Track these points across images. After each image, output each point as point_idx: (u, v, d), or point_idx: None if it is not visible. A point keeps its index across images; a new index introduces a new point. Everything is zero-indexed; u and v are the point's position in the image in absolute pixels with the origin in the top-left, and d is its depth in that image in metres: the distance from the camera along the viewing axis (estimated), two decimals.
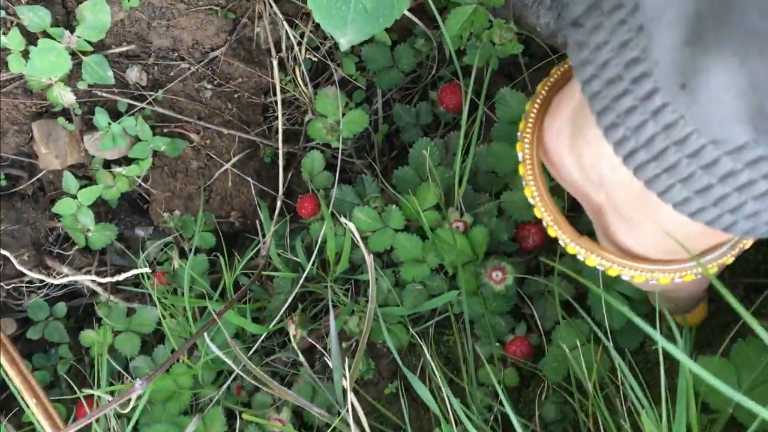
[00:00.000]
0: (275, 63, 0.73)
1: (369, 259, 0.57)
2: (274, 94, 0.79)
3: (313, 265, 0.72)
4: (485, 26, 0.67)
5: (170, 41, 0.73)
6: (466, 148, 0.69)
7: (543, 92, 0.42)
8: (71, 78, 0.72)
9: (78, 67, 0.70)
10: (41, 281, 0.80)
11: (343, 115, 0.75)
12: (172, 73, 0.75)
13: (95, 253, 0.83)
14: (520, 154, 0.42)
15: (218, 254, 0.80)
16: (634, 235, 0.40)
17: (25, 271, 0.72)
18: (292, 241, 0.76)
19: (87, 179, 0.79)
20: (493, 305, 0.65)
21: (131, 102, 0.75)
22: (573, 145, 0.38)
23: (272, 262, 0.77)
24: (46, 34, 0.67)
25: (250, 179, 0.80)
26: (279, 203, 0.72)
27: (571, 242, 0.43)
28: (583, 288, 0.65)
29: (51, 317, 0.82)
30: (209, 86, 0.76)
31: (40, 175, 0.78)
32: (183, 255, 0.82)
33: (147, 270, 0.70)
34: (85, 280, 0.74)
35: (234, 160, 0.79)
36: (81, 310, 0.86)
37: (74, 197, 0.77)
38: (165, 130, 0.77)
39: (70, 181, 0.76)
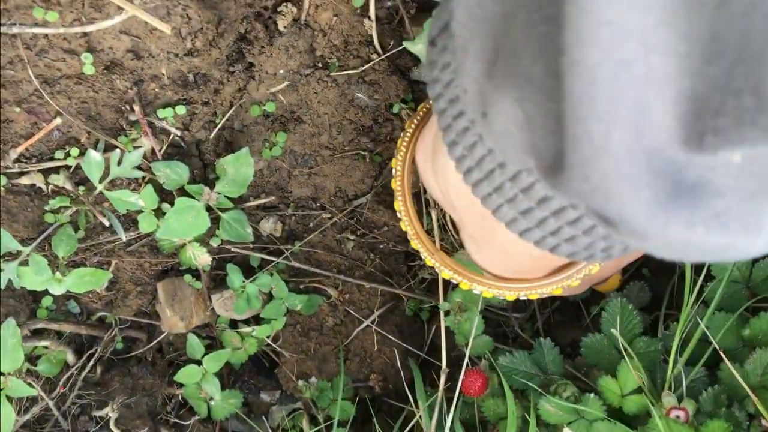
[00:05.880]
0: (434, 215, 0.64)
1: None
2: None
3: None
4: None
5: (311, 190, 0.65)
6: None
7: (421, 113, 0.45)
8: (204, 234, 0.64)
9: (213, 222, 0.63)
10: None
11: None
12: (311, 224, 0.67)
13: (216, 422, 0.73)
14: (393, 170, 0.46)
15: (357, 423, 0.70)
16: (482, 255, 0.42)
17: None
18: (449, 415, 0.64)
19: (210, 339, 0.71)
20: None
21: (266, 257, 0.66)
22: (433, 169, 0.41)
23: None
24: (182, 191, 0.60)
25: (392, 337, 0.70)
26: (443, 378, 0.61)
27: (428, 255, 0.46)
28: None
29: None
30: (352, 237, 0.68)
31: (161, 337, 0.70)
32: (313, 421, 0.72)
33: None
34: None
35: (375, 315, 0.70)
36: None
37: (199, 363, 0.68)
38: (301, 286, 0.69)
39: (195, 346, 0.68)
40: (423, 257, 0.47)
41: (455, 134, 0.33)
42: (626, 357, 0.55)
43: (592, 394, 0.54)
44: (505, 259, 0.41)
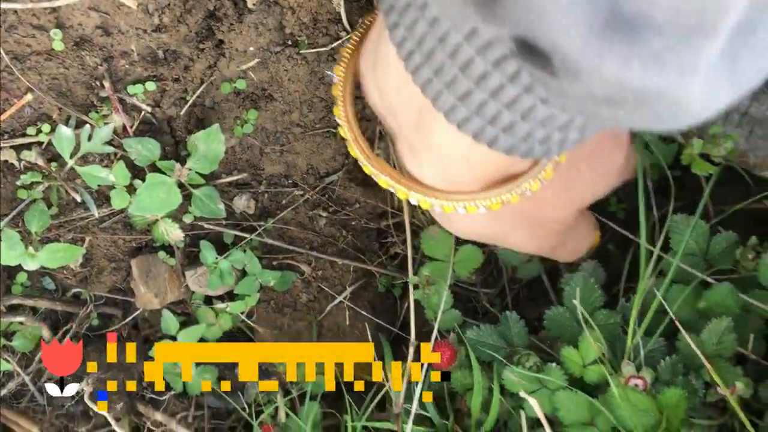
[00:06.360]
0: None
1: None
2: (393, 217, 0.72)
3: (447, 420, 0.62)
4: None
5: (283, 167, 0.66)
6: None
7: (367, 21, 0.44)
8: (177, 211, 0.65)
9: (185, 199, 0.63)
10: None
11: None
12: (284, 201, 0.68)
13: (192, 397, 0.74)
14: (335, 76, 0.45)
15: (329, 398, 0.71)
16: (417, 163, 0.41)
17: None
18: (416, 388, 0.66)
19: (185, 315, 0.72)
20: None
21: (239, 234, 0.67)
22: (374, 67, 0.40)
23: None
24: (154, 168, 0.61)
25: (365, 313, 0.71)
26: (411, 350, 0.63)
27: (365, 161, 0.45)
28: None
29: None
30: (324, 213, 0.69)
31: (136, 314, 0.71)
32: (287, 395, 0.73)
33: None
34: None
35: (348, 291, 0.71)
36: None
37: (173, 339, 0.69)
38: (274, 263, 0.70)
39: (170, 322, 0.69)
40: (361, 164, 0.46)
41: (397, 15, 0.33)
42: (587, 329, 0.57)
43: (554, 364, 0.56)
44: (441, 167, 0.40)
